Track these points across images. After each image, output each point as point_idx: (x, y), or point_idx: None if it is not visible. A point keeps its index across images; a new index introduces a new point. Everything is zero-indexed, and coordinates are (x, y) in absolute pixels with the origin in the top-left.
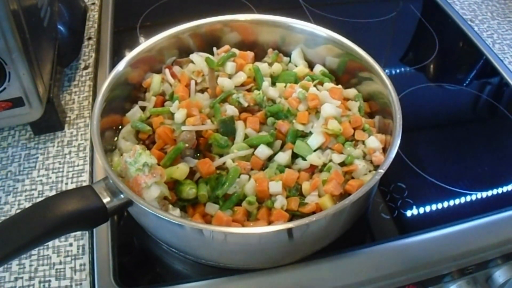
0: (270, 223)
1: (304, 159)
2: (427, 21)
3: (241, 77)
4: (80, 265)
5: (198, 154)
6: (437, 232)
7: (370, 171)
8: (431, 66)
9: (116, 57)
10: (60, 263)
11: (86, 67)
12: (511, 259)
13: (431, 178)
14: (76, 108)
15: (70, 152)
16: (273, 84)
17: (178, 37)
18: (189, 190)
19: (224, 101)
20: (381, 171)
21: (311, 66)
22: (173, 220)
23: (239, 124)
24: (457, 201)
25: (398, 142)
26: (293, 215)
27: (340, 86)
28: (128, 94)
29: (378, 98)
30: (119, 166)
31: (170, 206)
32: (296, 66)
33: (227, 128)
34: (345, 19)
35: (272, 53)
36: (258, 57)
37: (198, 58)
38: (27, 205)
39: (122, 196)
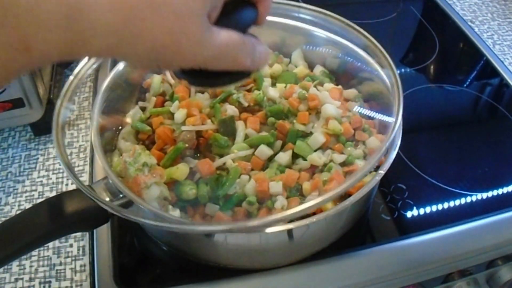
0: None
1: (304, 159)
2: (427, 22)
3: None
4: (81, 266)
5: (198, 154)
6: (437, 233)
7: (370, 172)
8: (432, 67)
9: None
10: (61, 264)
11: None
12: None
13: (431, 179)
14: (76, 109)
15: (70, 153)
16: (273, 84)
17: None
18: (189, 191)
19: (224, 101)
20: (382, 172)
21: (311, 66)
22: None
23: (240, 124)
24: (457, 202)
25: (398, 143)
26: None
27: (340, 86)
28: (128, 94)
29: (378, 99)
30: (119, 166)
31: (170, 206)
32: (296, 66)
33: (227, 128)
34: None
35: (272, 54)
36: None
37: None
38: (28, 206)
39: (122, 196)
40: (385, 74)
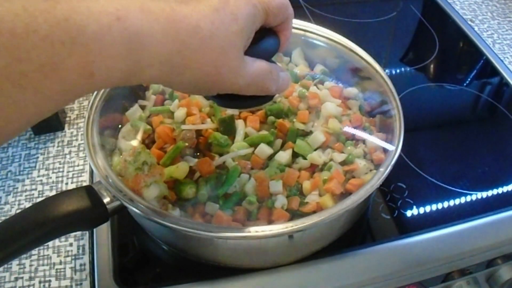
0: (270, 222)
1: (304, 158)
2: (427, 21)
3: None
4: (80, 265)
5: (198, 153)
6: (437, 232)
7: (370, 170)
8: (431, 66)
9: None
10: (60, 263)
11: None
12: None
13: (431, 178)
14: (76, 108)
15: (70, 152)
16: None
17: None
18: (189, 190)
19: None
20: (382, 169)
21: (311, 65)
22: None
23: (239, 123)
24: (457, 201)
25: (400, 144)
26: (294, 215)
27: (340, 85)
28: (128, 92)
29: (378, 97)
30: (119, 165)
31: (170, 205)
32: (297, 65)
33: (227, 127)
34: (345, 19)
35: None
36: None
37: None
38: (27, 205)
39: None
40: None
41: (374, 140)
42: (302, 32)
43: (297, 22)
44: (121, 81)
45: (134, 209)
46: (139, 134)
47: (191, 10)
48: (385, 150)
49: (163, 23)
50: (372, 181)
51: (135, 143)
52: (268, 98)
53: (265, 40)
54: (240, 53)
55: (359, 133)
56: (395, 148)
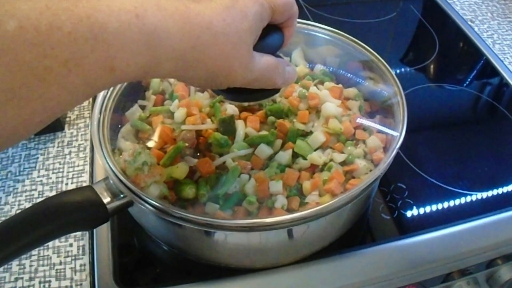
0: None
1: (304, 158)
2: (427, 21)
3: None
4: (80, 265)
5: (198, 154)
6: (437, 232)
7: (370, 170)
8: (431, 66)
9: None
10: (60, 263)
11: None
12: None
13: (431, 178)
14: (76, 108)
15: (70, 153)
16: None
17: None
18: (188, 190)
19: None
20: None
21: (311, 66)
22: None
23: (239, 123)
24: (457, 202)
25: (400, 141)
26: None
27: (340, 85)
28: (127, 92)
29: (379, 98)
30: (119, 165)
31: (170, 205)
32: (297, 66)
33: (227, 127)
34: (345, 19)
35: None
36: None
37: None
38: (27, 205)
39: (122, 196)
40: (391, 91)
41: (379, 126)
42: (304, 26)
43: (297, 22)
44: (139, 75)
45: (157, 203)
46: (156, 136)
47: (203, 7)
48: (385, 150)
49: (178, 20)
50: (380, 165)
51: (151, 144)
52: (275, 91)
53: (271, 35)
54: (250, 48)
55: (359, 133)
56: (400, 131)
